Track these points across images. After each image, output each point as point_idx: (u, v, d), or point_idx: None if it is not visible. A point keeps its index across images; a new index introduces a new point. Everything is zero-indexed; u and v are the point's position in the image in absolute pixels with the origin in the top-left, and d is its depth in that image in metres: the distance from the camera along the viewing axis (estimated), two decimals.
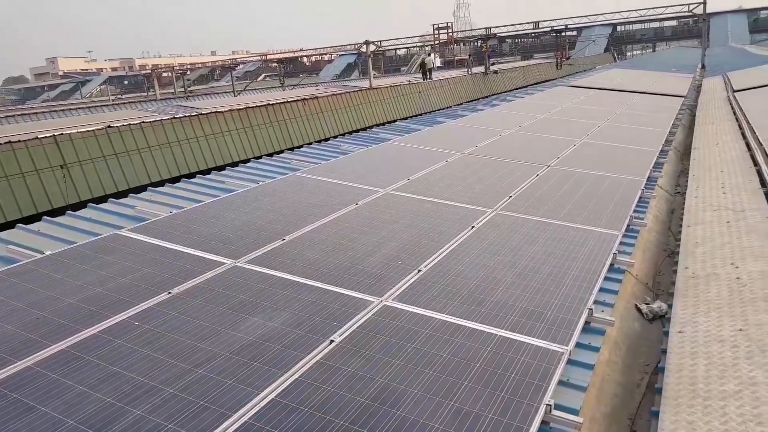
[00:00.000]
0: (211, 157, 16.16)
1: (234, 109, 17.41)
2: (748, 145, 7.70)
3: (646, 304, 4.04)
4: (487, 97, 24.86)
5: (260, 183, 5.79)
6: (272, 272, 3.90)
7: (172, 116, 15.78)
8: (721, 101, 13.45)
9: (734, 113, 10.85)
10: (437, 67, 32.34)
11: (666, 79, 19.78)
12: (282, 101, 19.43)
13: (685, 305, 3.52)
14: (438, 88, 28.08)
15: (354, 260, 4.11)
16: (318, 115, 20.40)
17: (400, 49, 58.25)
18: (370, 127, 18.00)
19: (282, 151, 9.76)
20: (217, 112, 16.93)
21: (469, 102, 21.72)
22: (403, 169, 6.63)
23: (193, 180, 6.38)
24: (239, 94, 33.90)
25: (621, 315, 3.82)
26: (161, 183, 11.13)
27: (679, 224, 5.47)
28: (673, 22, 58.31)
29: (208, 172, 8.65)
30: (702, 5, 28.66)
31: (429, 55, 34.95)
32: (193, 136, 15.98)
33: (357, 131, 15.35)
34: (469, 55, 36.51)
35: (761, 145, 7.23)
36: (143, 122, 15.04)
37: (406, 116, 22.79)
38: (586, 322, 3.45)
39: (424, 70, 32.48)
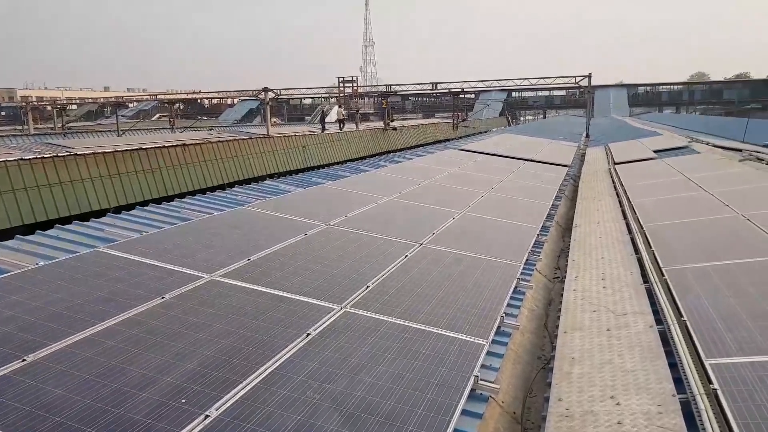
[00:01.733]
0: (65, 207, 14.16)
1: (98, 153, 15.51)
2: (629, 226, 7.33)
3: None
4: (384, 153, 24.50)
5: (40, 263, 4.37)
6: None
7: (19, 157, 13.66)
8: (603, 173, 13.59)
9: (615, 188, 10.79)
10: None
11: (553, 147, 20.28)
12: (158, 146, 17.71)
13: None
14: (336, 141, 27.47)
15: (115, 398, 2.89)
16: (200, 164, 18.87)
17: (305, 98, 58.10)
18: (262, 178, 16.70)
19: (150, 202, 8.19)
20: (77, 155, 14.94)
21: (367, 158, 21.16)
22: (246, 244, 5.51)
23: None
24: (123, 133, 31.52)
25: None
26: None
27: (556, 323, 4.74)
28: (562, 92, 62.87)
29: (63, 222, 6.87)
30: (587, 78, 30.51)
31: (340, 106, 34.63)
32: (44, 182, 13.89)
33: (237, 183, 14.01)
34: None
35: (642, 228, 6.84)
36: None
37: (300, 168, 21.77)
38: None
39: (323, 121, 32.15)
